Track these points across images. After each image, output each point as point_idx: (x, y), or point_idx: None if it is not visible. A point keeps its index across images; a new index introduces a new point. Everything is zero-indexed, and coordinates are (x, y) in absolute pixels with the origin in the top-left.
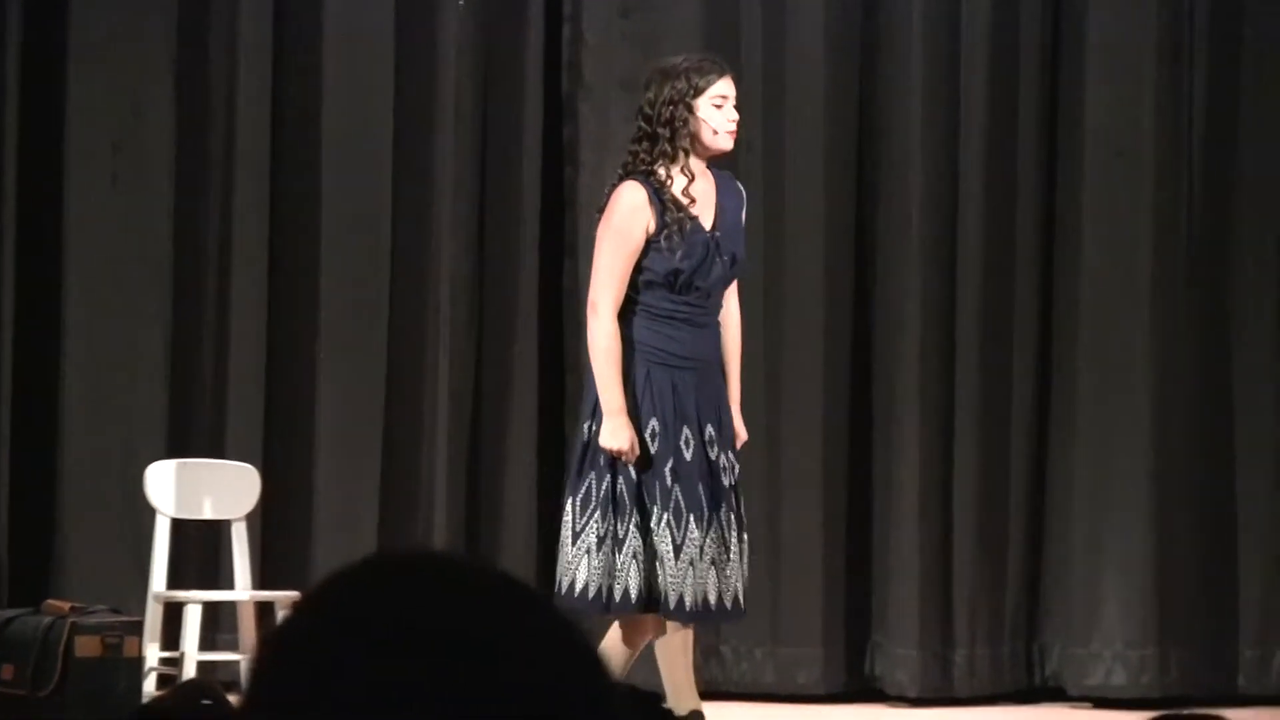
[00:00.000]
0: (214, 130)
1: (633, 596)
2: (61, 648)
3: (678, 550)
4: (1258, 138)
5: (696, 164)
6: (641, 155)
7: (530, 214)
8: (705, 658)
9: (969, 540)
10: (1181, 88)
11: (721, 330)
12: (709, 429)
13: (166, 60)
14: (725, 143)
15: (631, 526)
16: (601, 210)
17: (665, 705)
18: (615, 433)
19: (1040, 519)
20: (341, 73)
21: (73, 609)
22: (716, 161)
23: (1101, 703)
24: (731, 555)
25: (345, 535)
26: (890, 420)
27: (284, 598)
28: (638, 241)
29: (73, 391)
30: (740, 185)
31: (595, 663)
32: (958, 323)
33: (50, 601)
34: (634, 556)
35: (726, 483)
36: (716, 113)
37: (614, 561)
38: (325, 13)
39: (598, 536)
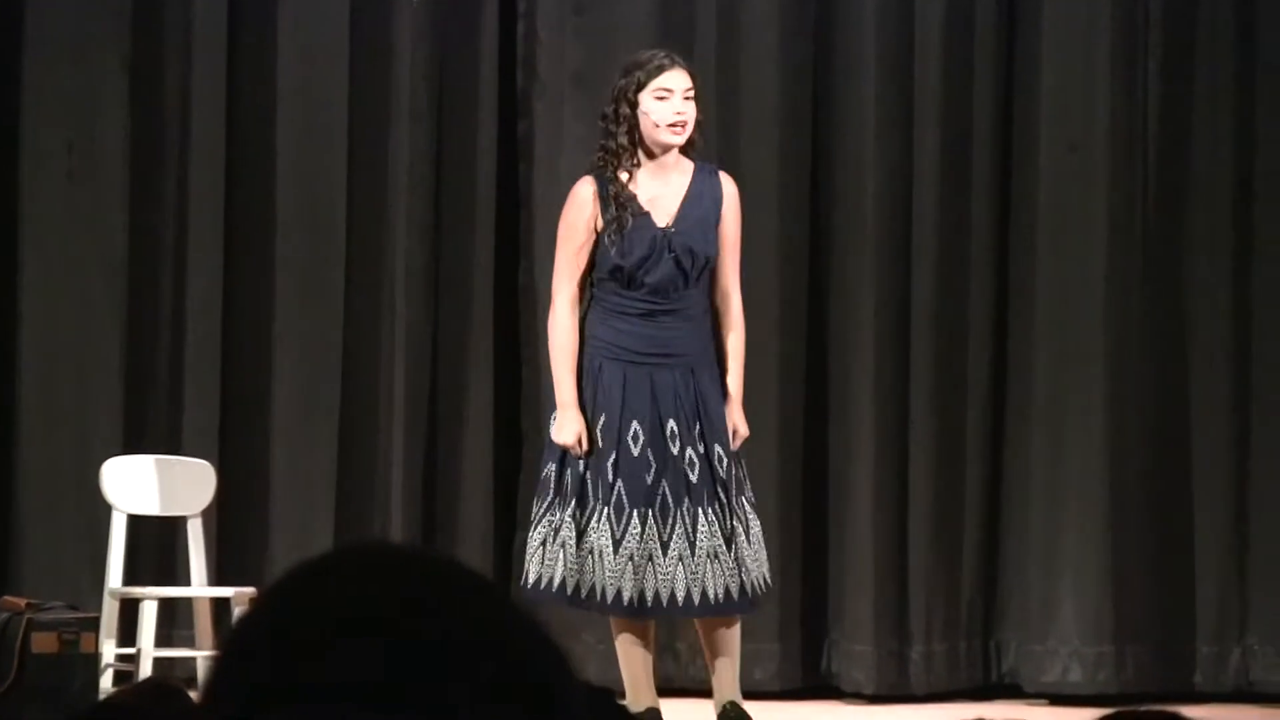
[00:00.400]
0: (168, 127)
1: (554, 587)
2: (18, 644)
3: (617, 545)
4: (1211, 133)
5: (659, 159)
6: (599, 151)
7: (485, 210)
8: (659, 654)
9: (925, 537)
10: (1135, 82)
11: (720, 326)
12: (670, 424)
13: (120, 57)
14: (667, 136)
15: (567, 518)
16: None
17: (621, 702)
18: (562, 426)
19: (996, 516)
20: (296, 69)
21: (29, 605)
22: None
23: (1058, 700)
24: (699, 552)
25: (301, 531)
26: (845, 417)
27: (240, 594)
28: (584, 236)
29: (29, 388)
30: (726, 182)
31: (555, 655)
32: (912, 320)
33: (6, 598)
34: (562, 547)
35: (694, 477)
36: (659, 105)
37: (548, 552)
38: (280, 9)
39: (550, 528)
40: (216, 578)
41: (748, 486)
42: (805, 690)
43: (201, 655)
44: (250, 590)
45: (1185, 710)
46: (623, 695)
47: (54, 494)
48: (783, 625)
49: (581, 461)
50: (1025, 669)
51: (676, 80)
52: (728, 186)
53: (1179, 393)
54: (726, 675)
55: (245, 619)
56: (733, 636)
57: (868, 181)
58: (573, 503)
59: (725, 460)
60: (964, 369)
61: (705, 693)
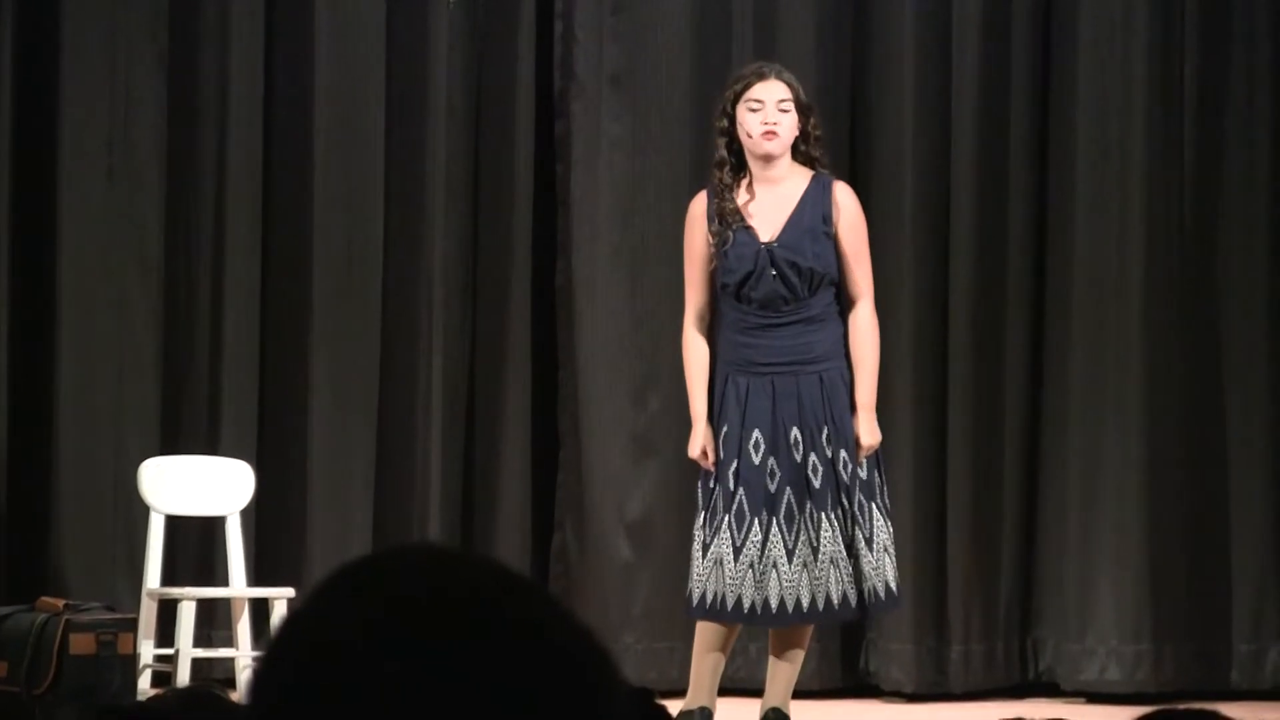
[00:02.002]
0: (206, 127)
1: (710, 604)
2: (55, 645)
3: (737, 552)
4: (1248, 132)
5: (767, 171)
6: (713, 167)
7: (522, 211)
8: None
9: (963, 536)
10: (1172, 83)
11: (851, 339)
12: (794, 431)
13: (158, 56)
14: (760, 146)
15: (706, 530)
16: None
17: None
18: (692, 441)
19: (1034, 515)
20: (333, 70)
21: (67, 606)
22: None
23: (1096, 698)
24: (821, 558)
25: (339, 532)
26: (883, 419)
27: (279, 594)
28: (700, 250)
29: (66, 388)
30: (840, 191)
31: (599, 656)
32: (950, 322)
33: (44, 599)
34: (715, 562)
35: (817, 483)
36: (751, 116)
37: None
38: (317, 9)
39: (699, 542)
40: (255, 578)
41: (879, 492)
42: (844, 689)
43: (240, 656)
44: (289, 590)
45: (1223, 708)
46: (663, 694)
47: (92, 495)
48: (822, 625)
49: (714, 475)
50: (1062, 667)
51: (769, 91)
52: (841, 196)
53: (1215, 393)
54: (781, 681)
55: (289, 621)
56: (800, 644)
57: (905, 181)
58: (712, 515)
59: (850, 466)
60: (1001, 370)
61: (743, 691)
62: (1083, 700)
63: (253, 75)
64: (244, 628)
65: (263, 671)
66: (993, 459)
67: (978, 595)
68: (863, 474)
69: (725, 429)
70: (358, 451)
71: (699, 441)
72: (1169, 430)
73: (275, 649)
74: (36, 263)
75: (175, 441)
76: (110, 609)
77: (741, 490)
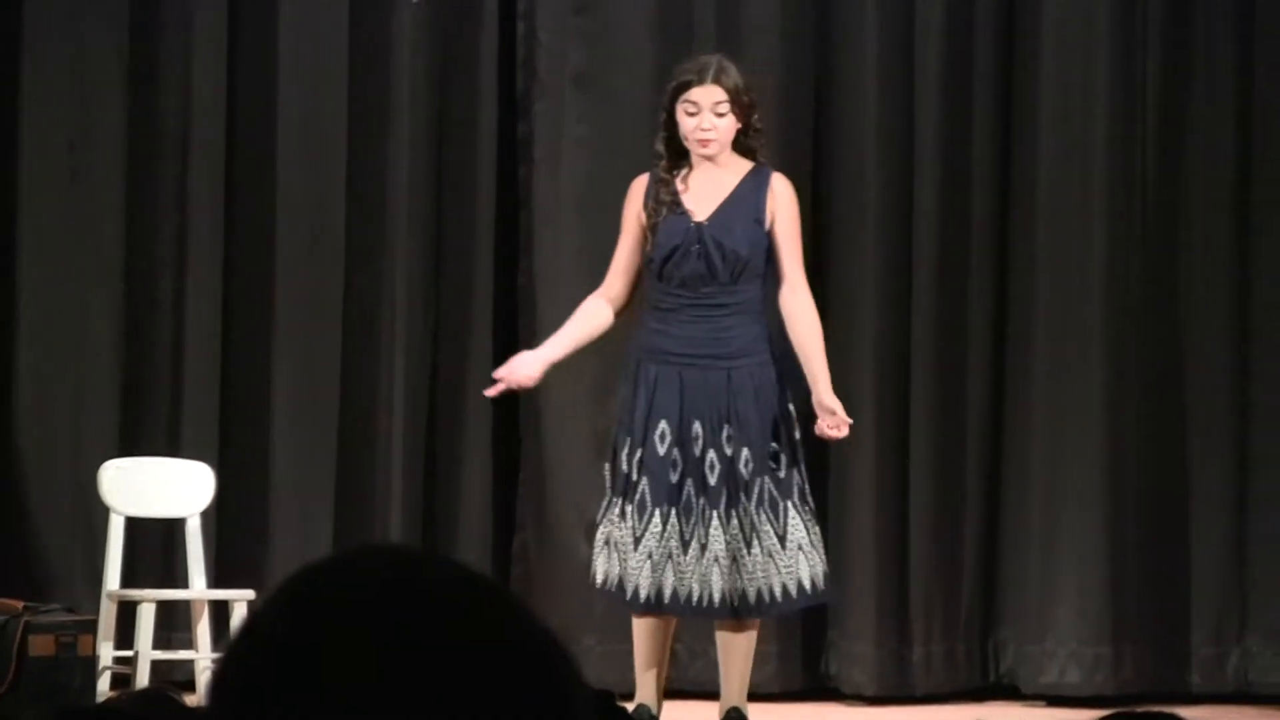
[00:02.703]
0: (167, 127)
1: (599, 583)
2: (15, 647)
3: (636, 541)
4: (1209, 130)
5: (706, 161)
6: (655, 155)
7: (485, 212)
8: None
9: (924, 538)
10: (1134, 81)
11: (790, 326)
12: (695, 425)
13: (120, 58)
14: (696, 149)
15: (613, 515)
16: None
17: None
18: (507, 365)
19: (995, 517)
20: (296, 69)
21: (26, 608)
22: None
23: (1056, 700)
24: (707, 555)
25: (301, 533)
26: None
27: (239, 596)
28: (631, 226)
29: (26, 390)
30: (777, 180)
31: (562, 658)
32: (913, 323)
33: (3, 600)
34: (607, 544)
35: (712, 480)
36: (687, 119)
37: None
38: (280, 11)
39: (610, 526)
40: (215, 580)
41: (797, 492)
42: (805, 692)
43: (200, 658)
44: (249, 593)
45: (1183, 711)
46: (624, 697)
47: (52, 496)
48: (782, 627)
49: (624, 459)
50: (1023, 670)
51: (705, 95)
52: (778, 184)
53: (1177, 394)
54: (734, 682)
55: (250, 622)
56: (743, 643)
57: (868, 184)
58: (620, 500)
59: (753, 465)
60: (963, 372)
61: (708, 694)
62: (1043, 703)
63: (214, 78)
64: (204, 630)
65: (223, 673)
66: (954, 461)
67: (939, 598)
68: (780, 473)
69: (634, 416)
70: (319, 452)
71: (513, 362)
72: (1130, 433)
73: (235, 650)
74: None
75: (135, 443)
76: (70, 610)
77: (645, 480)
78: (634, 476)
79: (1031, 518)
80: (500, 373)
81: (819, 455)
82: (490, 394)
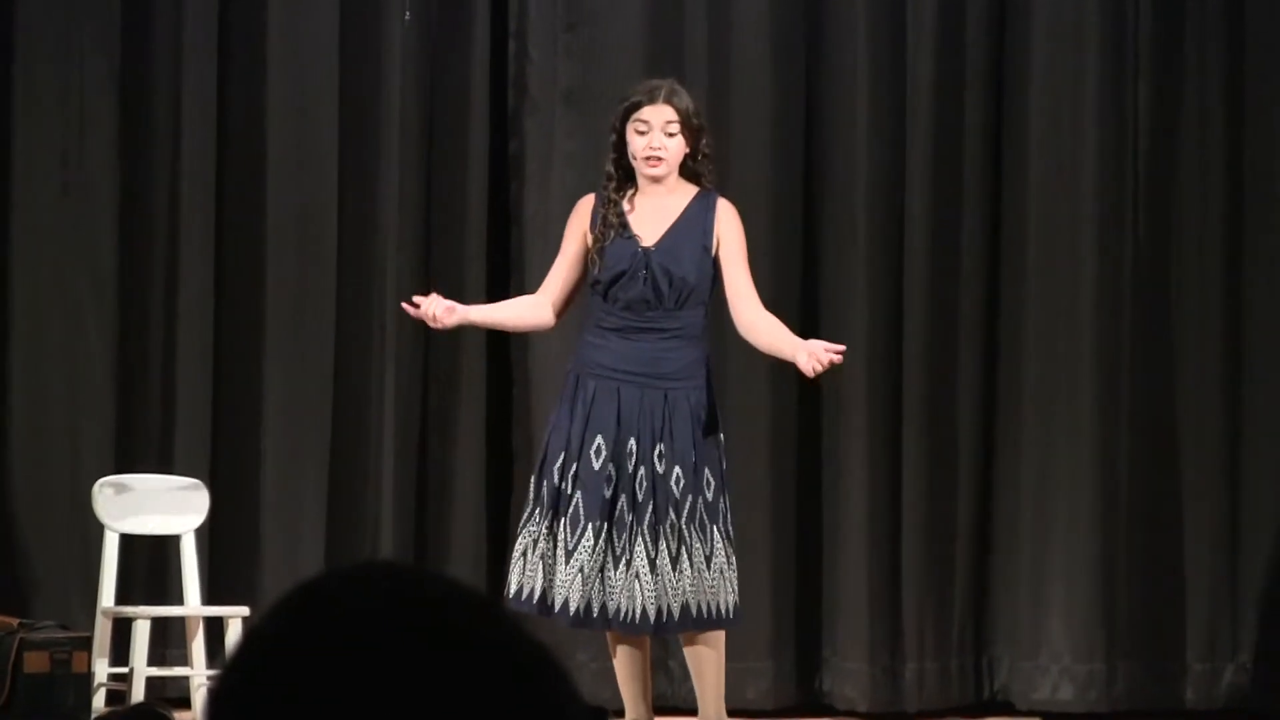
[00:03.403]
0: (159, 143)
1: (532, 598)
2: (9, 664)
3: (569, 555)
4: (1200, 147)
5: (654, 185)
6: (605, 176)
7: (476, 228)
8: (653, 672)
9: (917, 555)
10: (1124, 97)
11: (755, 332)
12: (630, 441)
13: (111, 71)
14: (644, 168)
15: (544, 529)
16: None
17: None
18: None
19: (988, 534)
20: (286, 87)
21: (21, 625)
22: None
23: (1050, 717)
24: (633, 567)
25: (293, 550)
26: (837, 433)
27: (233, 613)
28: (573, 242)
29: (19, 406)
30: (721, 205)
31: (557, 674)
32: (904, 336)
33: None
34: (541, 558)
35: (640, 496)
36: (637, 139)
37: (529, 563)
38: (270, 26)
39: (530, 538)
40: (209, 597)
41: (722, 518)
42: (799, 708)
43: (194, 674)
44: (243, 609)
45: None
46: (617, 714)
47: (46, 513)
48: (776, 643)
49: (556, 473)
50: (1017, 686)
51: (656, 115)
52: (723, 212)
53: (1169, 409)
54: (708, 697)
55: (246, 639)
56: (711, 656)
57: (859, 197)
58: (550, 514)
59: (684, 482)
60: (955, 388)
61: (697, 711)
62: (1037, 719)
63: (206, 92)
64: (199, 646)
65: (220, 690)
66: (946, 477)
67: (932, 614)
68: (708, 495)
69: (570, 430)
70: (311, 469)
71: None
72: (1121, 450)
73: (232, 667)
74: None
75: (129, 460)
76: (65, 627)
77: (579, 494)
78: (568, 490)
79: (1024, 534)
80: (420, 299)
81: (811, 471)
82: (404, 306)
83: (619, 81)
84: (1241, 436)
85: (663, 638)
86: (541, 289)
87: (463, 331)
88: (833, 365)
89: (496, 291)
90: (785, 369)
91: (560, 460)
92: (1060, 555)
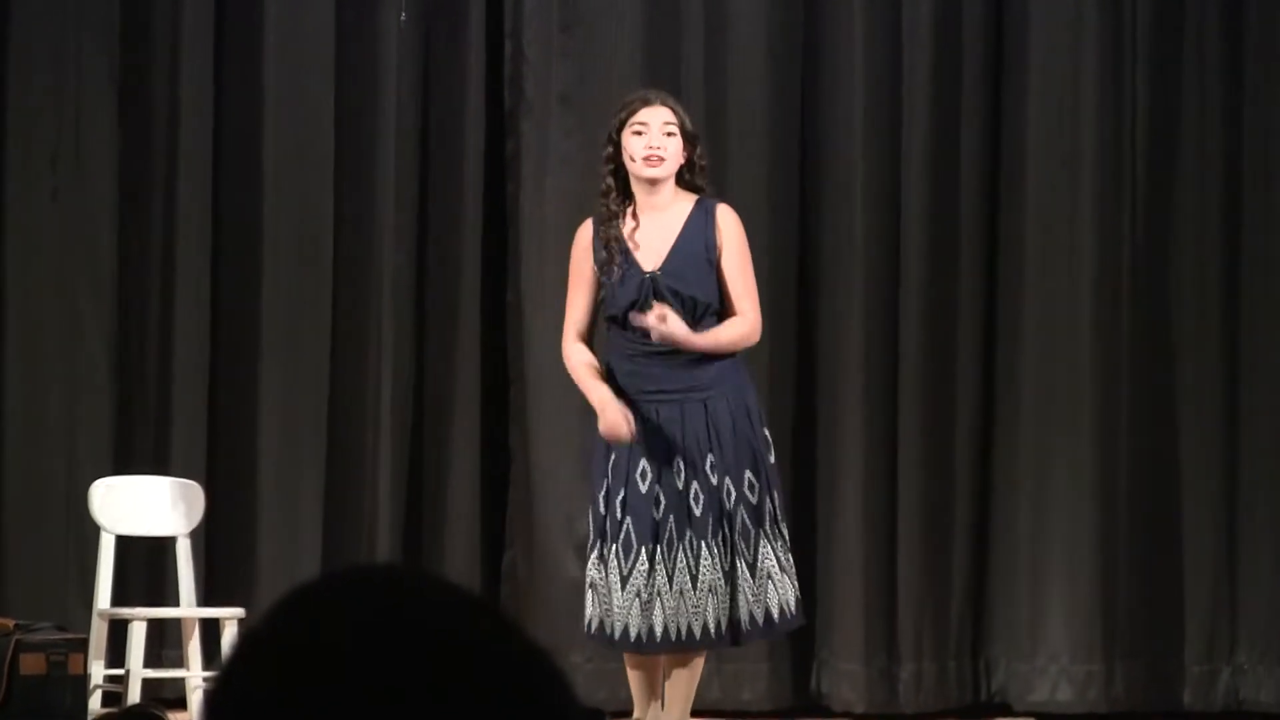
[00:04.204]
0: (155, 146)
1: (591, 629)
2: (6, 665)
3: (624, 581)
4: (1199, 148)
5: (651, 197)
6: (601, 193)
7: (472, 230)
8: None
9: (914, 556)
10: (1123, 98)
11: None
12: (678, 459)
13: (108, 75)
14: (643, 169)
15: (593, 558)
16: None
17: None
18: (606, 423)
19: (985, 535)
20: (283, 88)
21: (17, 626)
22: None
23: (1047, 718)
24: (700, 585)
25: (290, 551)
26: (833, 434)
27: (229, 614)
28: (586, 278)
29: (16, 408)
30: (722, 214)
31: (554, 675)
32: (901, 337)
33: None
34: (590, 586)
35: (697, 511)
36: (635, 139)
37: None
38: (266, 28)
39: (594, 570)
40: (205, 598)
41: (768, 519)
42: (795, 709)
43: (191, 676)
44: (239, 611)
45: None
46: (616, 714)
47: (42, 514)
48: (772, 645)
49: (603, 502)
50: (1014, 687)
51: (653, 115)
52: (723, 219)
53: (1168, 409)
54: (677, 706)
55: (244, 641)
56: (688, 672)
57: (856, 200)
58: (599, 542)
59: (734, 493)
60: (952, 388)
61: (694, 712)
62: None
63: (202, 94)
64: (194, 648)
65: (216, 692)
66: (943, 477)
67: (928, 615)
68: (754, 499)
69: (613, 458)
70: (307, 470)
71: (616, 418)
72: (1120, 450)
73: (230, 670)
74: None
75: (126, 461)
76: (61, 629)
77: (629, 519)
78: (619, 516)
79: (1021, 535)
80: (623, 429)
81: (807, 471)
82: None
83: (615, 83)
84: (1240, 440)
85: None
86: (574, 332)
87: (457, 330)
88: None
89: (491, 292)
90: (782, 372)
91: (605, 489)
92: (1058, 556)
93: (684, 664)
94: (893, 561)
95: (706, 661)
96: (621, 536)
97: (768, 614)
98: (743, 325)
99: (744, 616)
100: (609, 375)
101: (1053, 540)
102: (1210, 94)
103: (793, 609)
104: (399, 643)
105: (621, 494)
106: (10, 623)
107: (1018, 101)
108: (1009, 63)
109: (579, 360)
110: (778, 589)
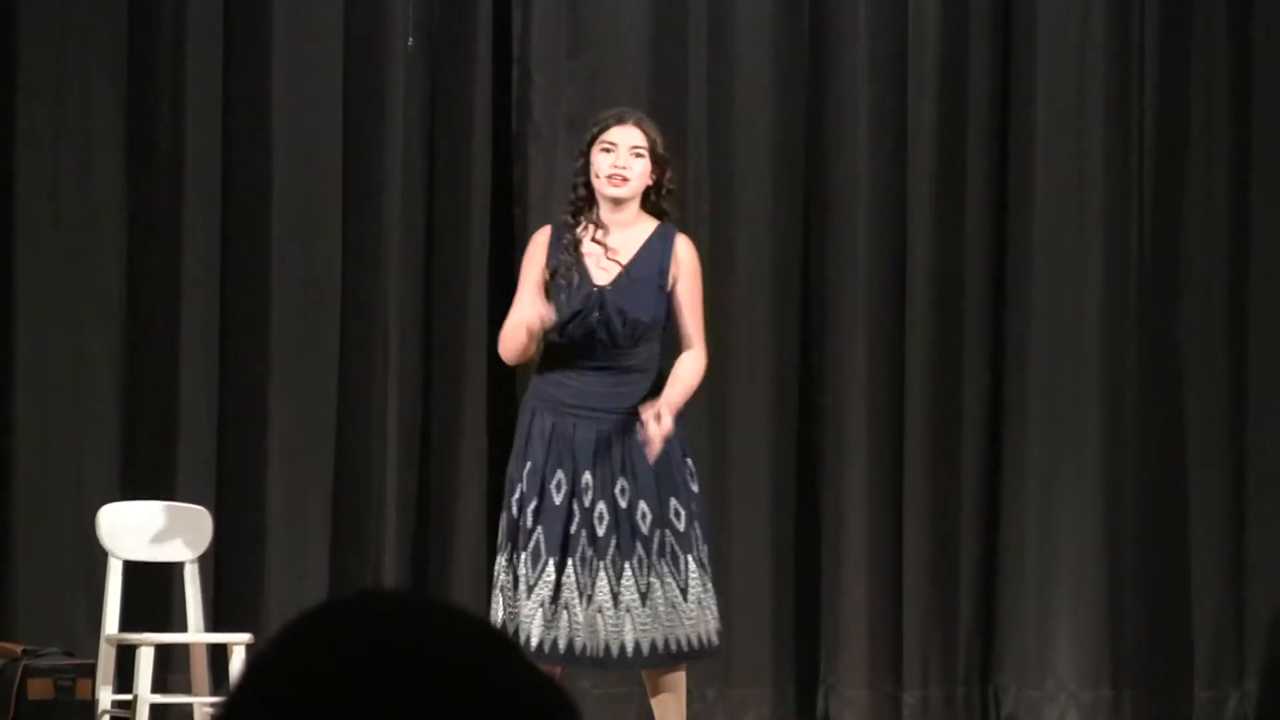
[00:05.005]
0: (162, 170)
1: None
2: (14, 690)
3: (530, 590)
4: (1207, 161)
5: (616, 216)
6: (567, 204)
7: (479, 252)
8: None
9: (920, 580)
10: (1130, 111)
11: (674, 370)
12: (586, 476)
13: (116, 98)
14: (606, 187)
15: (502, 562)
16: None
17: None
18: (526, 312)
19: (993, 559)
20: (290, 112)
21: (25, 651)
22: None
23: None
24: (593, 603)
25: (297, 576)
26: (839, 458)
27: (237, 640)
28: (534, 277)
29: (25, 433)
30: (681, 245)
31: (562, 701)
32: (907, 358)
33: (2, 644)
34: (501, 591)
35: (600, 531)
36: (603, 157)
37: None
38: (274, 51)
39: (497, 571)
40: (212, 623)
41: (695, 546)
42: None
43: (198, 701)
44: (247, 636)
45: None
46: None
47: (50, 539)
48: (777, 669)
49: (515, 506)
50: (1023, 714)
51: (623, 136)
52: (681, 250)
53: (1175, 433)
54: None
55: (252, 666)
56: (672, 702)
57: (860, 216)
58: (509, 547)
59: (651, 517)
60: (959, 410)
61: None
62: None
63: (210, 119)
64: (202, 673)
65: (226, 717)
66: (950, 500)
67: (936, 640)
68: (678, 525)
69: (529, 465)
70: (315, 497)
71: (532, 309)
72: (1128, 474)
73: (238, 695)
74: None
75: (134, 487)
76: (69, 654)
77: (540, 529)
78: (530, 525)
79: (1029, 560)
80: (545, 312)
81: (812, 495)
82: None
83: (622, 108)
84: (1247, 463)
85: (625, 673)
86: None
87: (464, 356)
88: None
89: (498, 315)
90: (784, 397)
91: (519, 494)
92: (1066, 581)
93: (664, 690)
94: (899, 586)
95: (710, 685)
96: (531, 545)
97: (692, 639)
98: (696, 362)
99: (671, 639)
100: (536, 382)
101: (1061, 565)
102: (1218, 107)
103: (715, 639)
104: (406, 667)
105: (535, 503)
106: (18, 648)
107: (1024, 114)
108: (1016, 76)
109: (503, 334)
110: (704, 616)
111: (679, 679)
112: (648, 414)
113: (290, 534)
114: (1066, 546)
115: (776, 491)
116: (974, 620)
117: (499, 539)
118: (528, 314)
